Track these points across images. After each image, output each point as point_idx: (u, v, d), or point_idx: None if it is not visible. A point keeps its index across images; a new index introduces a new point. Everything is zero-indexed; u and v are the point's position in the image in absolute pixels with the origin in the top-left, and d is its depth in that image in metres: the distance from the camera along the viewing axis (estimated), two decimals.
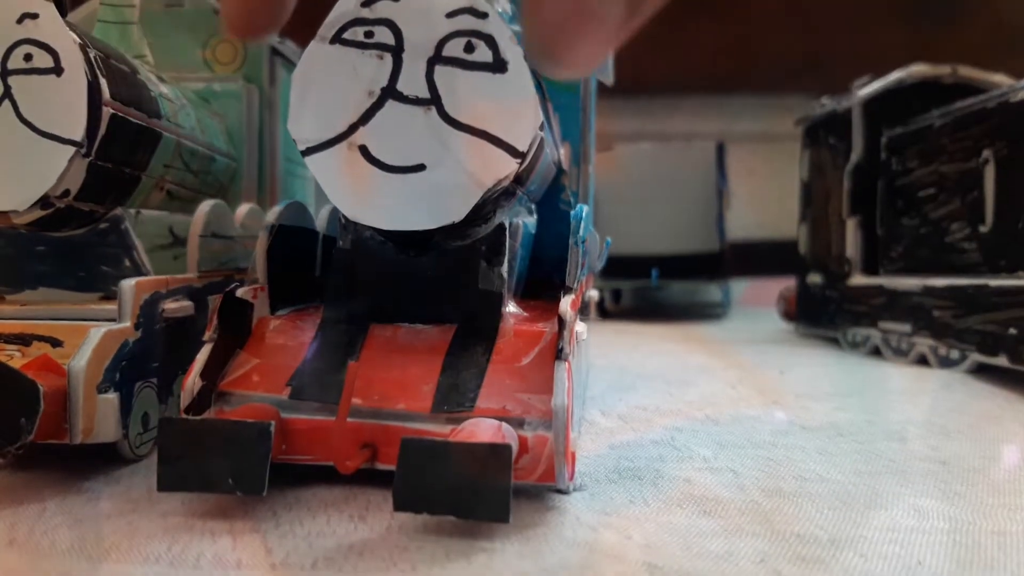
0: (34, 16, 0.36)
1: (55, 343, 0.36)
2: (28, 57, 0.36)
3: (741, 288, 1.18)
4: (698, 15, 1.45)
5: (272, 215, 0.41)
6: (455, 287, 0.39)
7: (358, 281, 0.39)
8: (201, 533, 0.29)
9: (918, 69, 0.75)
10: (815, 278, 0.86)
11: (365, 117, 0.35)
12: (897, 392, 0.58)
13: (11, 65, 0.36)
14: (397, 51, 0.35)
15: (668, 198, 1.09)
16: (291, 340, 0.38)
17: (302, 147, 0.35)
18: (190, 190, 0.51)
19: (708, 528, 0.31)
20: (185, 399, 0.34)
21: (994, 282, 0.58)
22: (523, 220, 0.44)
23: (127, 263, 0.42)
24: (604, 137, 1.29)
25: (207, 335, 0.36)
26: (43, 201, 0.37)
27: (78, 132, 0.36)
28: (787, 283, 0.94)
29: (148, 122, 0.43)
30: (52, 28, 0.36)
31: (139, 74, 0.44)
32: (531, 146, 0.35)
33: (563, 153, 0.57)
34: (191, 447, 0.30)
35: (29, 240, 0.40)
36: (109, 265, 0.41)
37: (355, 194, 0.35)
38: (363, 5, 0.35)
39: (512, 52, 0.35)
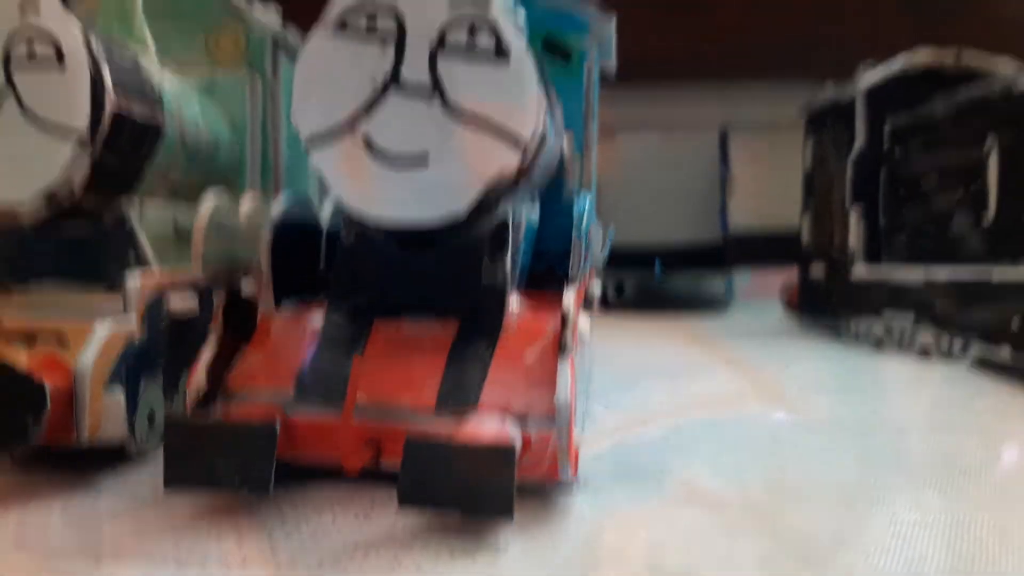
0: (35, 5, 0.36)
1: (61, 340, 0.36)
2: (31, 51, 0.36)
3: (745, 279, 1.18)
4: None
5: (275, 211, 0.41)
6: (458, 282, 0.39)
7: (362, 276, 0.39)
8: (207, 532, 0.30)
9: (922, 55, 0.75)
10: (817, 269, 0.86)
11: (368, 107, 0.35)
12: (899, 386, 0.58)
13: (14, 58, 0.35)
14: (400, 39, 0.34)
15: (671, 188, 1.09)
16: (295, 336, 0.38)
17: (305, 139, 0.35)
18: (194, 181, 0.51)
19: (710, 526, 0.31)
20: (191, 397, 0.34)
21: (997, 273, 0.57)
22: (526, 213, 0.44)
23: (132, 257, 0.41)
24: (606, 125, 1.29)
25: (211, 333, 0.36)
26: (48, 198, 0.36)
27: (81, 125, 0.36)
28: (791, 273, 0.94)
29: (151, 114, 0.43)
30: (54, 17, 0.36)
31: (141, 65, 0.44)
32: (533, 137, 0.35)
33: (565, 143, 0.56)
34: (197, 447, 0.31)
35: (35, 235, 0.39)
36: (114, 259, 0.41)
37: (359, 187, 0.35)
38: (373, 3, 0.35)
39: (516, 40, 0.34)
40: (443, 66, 0.34)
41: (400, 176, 0.35)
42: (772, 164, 1.11)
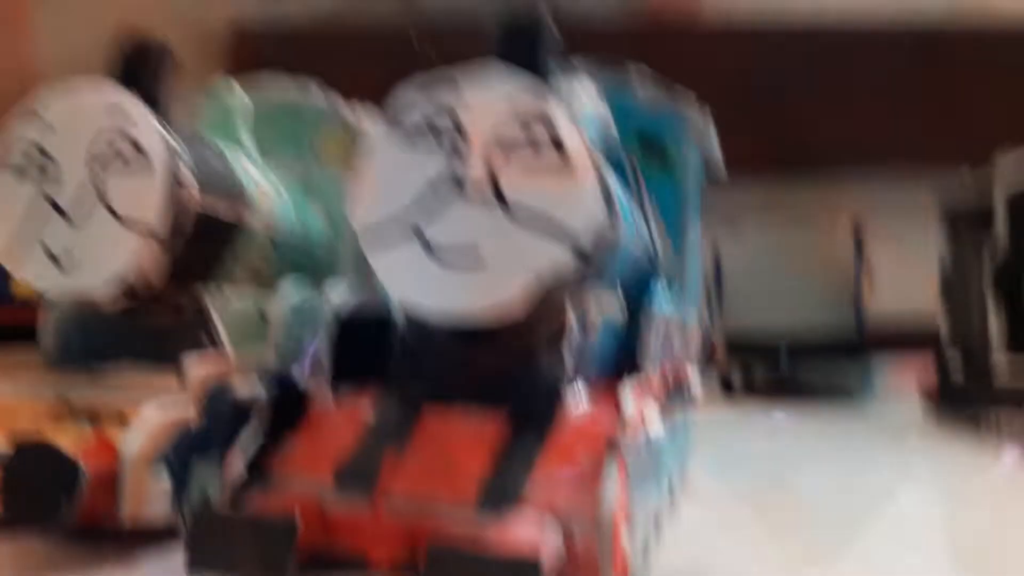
0: (121, 108, 0.39)
1: (123, 421, 0.37)
2: (114, 149, 0.39)
3: (886, 366, 1.09)
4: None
5: (341, 303, 0.41)
6: (513, 375, 0.37)
7: (416, 366, 0.39)
8: None
9: None
10: (956, 363, 0.78)
11: (429, 212, 0.35)
12: None
13: (97, 156, 0.39)
14: (464, 148, 0.35)
15: (800, 279, 1.04)
16: (343, 423, 0.38)
17: (363, 238, 0.36)
18: (285, 271, 0.53)
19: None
20: (227, 483, 0.34)
21: None
22: (600, 312, 0.42)
23: (206, 342, 0.43)
24: (731, 214, 1.26)
25: (255, 418, 0.36)
26: (123, 286, 0.39)
27: (153, 219, 0.38)
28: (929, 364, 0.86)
29: (232, 210, 0.45)
30: (137, 119, 0.39)
31: (228, 164, 0.46)
32: (591, 234, 0.34)
33: (659, 240, 0.54)
34: (219, 534, 0.30)
35: (114, 320, 0.42)
36: (189, 344, 0.43)
37: (412, 286, 0.35)
38: (429, 98, 0.36)
39: (577, 147, 0.34)
40: (501, 166, 0.34)
41: (456, 275, 0.34)
42: (907, 251, 1.03)
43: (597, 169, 0.35)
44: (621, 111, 0.56)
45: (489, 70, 0.36)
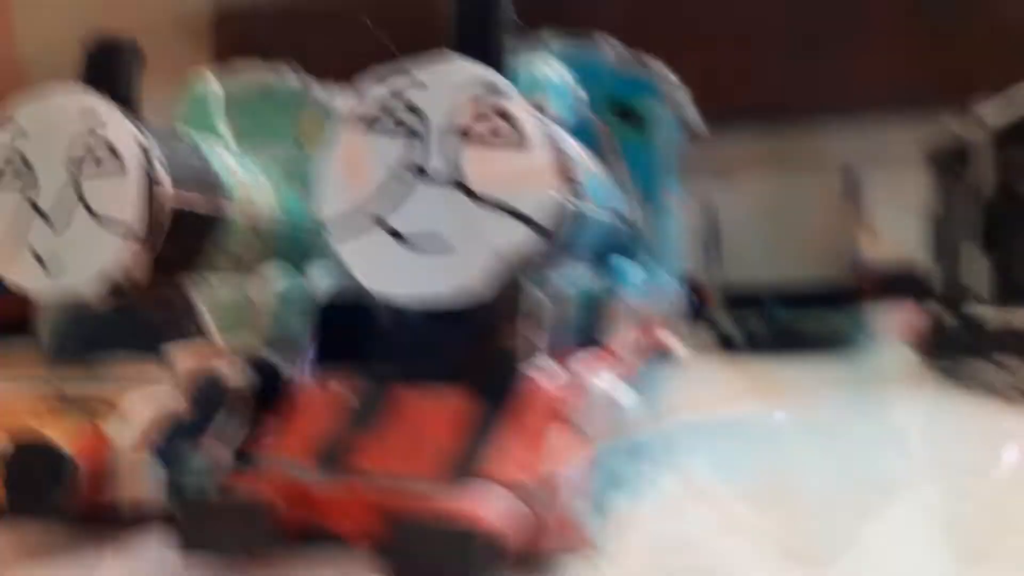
0: (94, 112, 0.40)
1: (116, 412, 0.39)
2: (90, 153, 0.40)
3: (882, 316, 1.09)
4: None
5: (323, 290, 0.43)
6: (478, 350, 0.39)
7: (389, 346, 0.40)
8: None
9: None
10: (942, 311, 0.79)
11: (394, 199, 0.36)
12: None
13: (75, 159, 0.40)
14: (424, 133, 0.36)
15: (793, 228, 1.04)
16: (322, 406, 0.39)
17: (330, 227, 0.37)
18: (271, 257, 0.54)
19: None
20: (213, 465, 0.36)
21: None
22: (568, 281, 0.43)
23: (193, 332, 0.45)
24: (724, 166, 1.26)
25: (234, 398, 0.38)
26: (108, 283, 0.41)
27: (130, 219, 0.40)
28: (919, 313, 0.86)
29: (212, 205, 0.47)
30: (111, 122, 0.41)
31: (204, 158, 0.48)
32: (554, 219, 0.35)
33: (634, 205, 0.55)
34: (200, 515, 0.33)
35: (103, 314, 0.44)
36: (174, 334, 0.44)
37: (379, 271, 0.37)
38: (388, 86, 0.37)
39: (532, 129, 0.35)
40: (463, 154, 0.36)
41: (421, 258, 0.36)
42: (897, 200, 1.03)
43: (554, 149, 0.36)
44: (593, 78, 0.57)
45: (446, 57, 0.37)
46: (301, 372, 0.42)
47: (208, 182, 0.47)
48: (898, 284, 1.01)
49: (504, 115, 0.35)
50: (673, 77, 0.58)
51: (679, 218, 0.65)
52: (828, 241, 1.03)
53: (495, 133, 0.35)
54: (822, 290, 1.02)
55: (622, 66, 0.58)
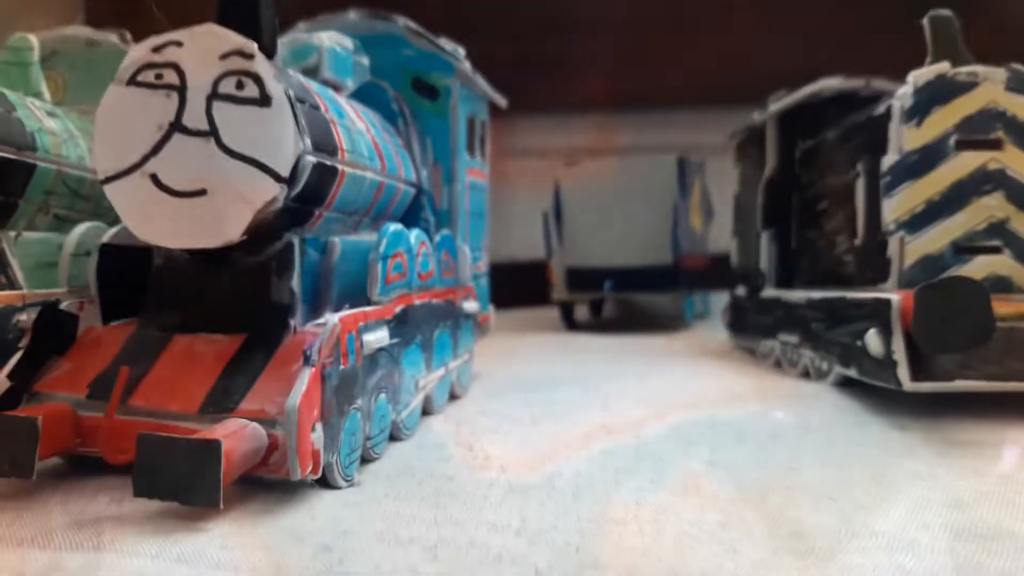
0: None
1: None
2: None
3: (717, 300, 1.19)
4: (695, 28, 1.46)
5: (107, 235, 0.47)
6: (249, 300, 0.43)
7: (169, 296, 0.44)
8: None
9: (832, 82, 0.76)
10: (740, 291, 0.87)
11: (155, 148, 0.40)
12: (742, 399, 0.60)
13: None
14: (182, 90, 0.40)
15: (629, 212, 1.11)
16: (103, 347, 0.43)
17: (101, 177, 0.40)
18: (82, 213, 0.57)
19: None
20: None
21: (851, 294, 0.59)
22: (344, 237, 0.48)
23: (4, 280, 0.48)
24: (578, 152, 1.32)
25: (23, 340, 0.41)
26: None
27: None
28: None
29: (19, 155, 0.49)
30: None
31: (15, 111, 0.50)
32: (296, 171, 0.40)
33: (427, 174, 0.61)
34: None
35: None
36: None
37: (145, 217, 0.40)
38: (153, 51, 0.40)
39: (276, 89, 0.39)
40: (217, 112, 0.40)
41: (182, 207, 0.40)
42: (721, 188, 1.12)
43: (295, 113, 0.40)
44: (391, 53, 0.63)
45: (211, 28, 0.40)
46: (92, 318, 0.45)
47: (17, 138, 0.49)
48: (715, 269, 1.10)
49: (252, 76, 0.39)
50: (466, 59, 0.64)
51: (481, 190, 0.71)
52: (662, 226, 1.10)
53: (243, 91, 0.39)
54: (655, 273, 1.09)
55: (421, 44, 0.64)
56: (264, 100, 0.39)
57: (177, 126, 0.40)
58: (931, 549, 0.32)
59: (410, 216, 0.59)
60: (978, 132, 0.56)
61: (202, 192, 0.40)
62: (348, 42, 0.53)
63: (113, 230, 0.47)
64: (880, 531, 0.34)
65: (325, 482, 0.39)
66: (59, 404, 0.40)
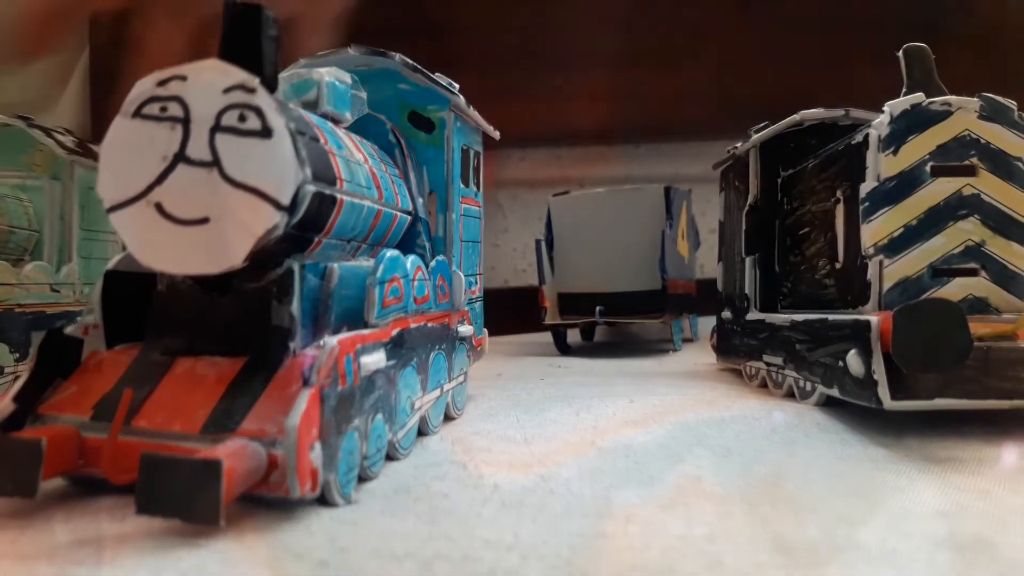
0: None
1: None
2: None
3: (704, 323, 1.21)
4: (678, 61, 1.50)
5: (112, 262, 0.48)
6: (250, 324, 0.44)
7: (172, 320, 0.45)
8: None
9: (813, 112, 0.78)
10: (726, 314, 0.89)
11: (160, 178, 0.41)
12: (728, 420, 0.61)
13: None
14: (186, 122, 0.41)
15: (618, 239, 1.14)
16: (108, 370, 0.44)
17: (107, 206, 0.42)
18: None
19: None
20: None
21: (832, 317, 0.60)
22: (343, 263, 0.49)
23: None
24: (567, 182, 1.35)
25: (27, 364, 0.42)
26: None
27: None
28: None
29: None
30: None
31: None
32: (297, 200, 0.41)
33: (422, 202, 0.63)
34: None
35: None
36: None
37: (149, 244, 0.42)
38: (158, 84, 0.42)
39: (277, 121, 0.41)
40: (220, 144, 0.41)
41: (185, 234, 0.41)
42: (707, 216, 1.14)
43: (295, 145, 0.42)
44: (388, 87, 0.65)
45: (214, 63, 0.42)
46: (97, 342, 0.46)
47: None
48: (702, 294, 1.13)
49: (254, 109, 0.41)
50: (455, 91, 0.67)
51: (476, 217, 0.73)
52: (651, 253, 1.12)
53: (245, 124, 0.41)
54: (644, 298, 1.11)
55: (416, 79, 0.66)
56: (266, 132, 0.41)
57: (181, 157, 0.41)
58: (911, 560, 0.33)
59: (406, 243, 0.60)
60: (953, 159, 0.58)
61: (205, 220, 0.41)
62: (347, 77, 0.55)
63: (118, 257, 0.48)
64: (862, 543, 0.35)
65: (323, 500, 0.40)
66: (63, 426, 0.41)
